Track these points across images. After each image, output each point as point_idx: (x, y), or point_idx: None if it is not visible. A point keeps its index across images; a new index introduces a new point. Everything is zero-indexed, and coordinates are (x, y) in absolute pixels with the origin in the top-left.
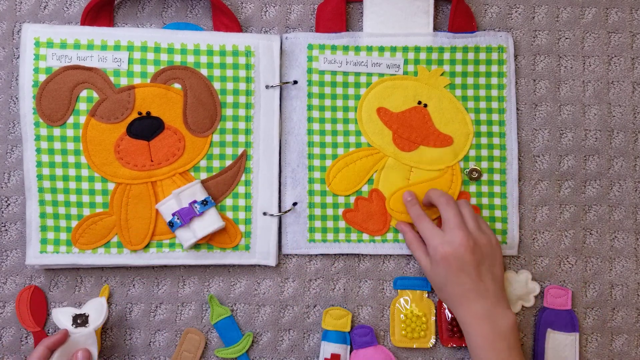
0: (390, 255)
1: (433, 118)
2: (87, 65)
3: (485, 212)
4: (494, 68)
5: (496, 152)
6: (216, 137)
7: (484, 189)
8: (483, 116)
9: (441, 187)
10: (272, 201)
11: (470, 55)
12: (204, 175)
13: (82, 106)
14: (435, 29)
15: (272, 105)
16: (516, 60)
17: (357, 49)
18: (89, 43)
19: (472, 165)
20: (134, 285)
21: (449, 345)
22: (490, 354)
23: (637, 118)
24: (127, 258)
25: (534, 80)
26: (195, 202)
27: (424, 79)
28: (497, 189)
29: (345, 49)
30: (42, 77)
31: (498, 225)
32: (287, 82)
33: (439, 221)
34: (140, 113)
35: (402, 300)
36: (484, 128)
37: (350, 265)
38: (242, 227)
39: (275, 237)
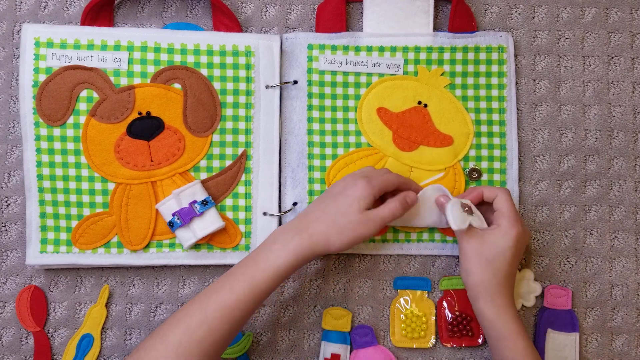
0: (390, 255)
1: (433, 118)
2: (87, 65)
3: None
4: (494, 68)
5: (496, 152)
6: (216, 137)
7: None
8: (483, 116)
9: (445, 186)
10: (272, 201)
11: (471, 55)
12: (204, 175)
13: (82, 106)
14: (435, 29)
15: (272, 105)
16: (516, 60)
17: (357, 49)
18: (89, 43)
19: (472, 165)
20: (134, 285)
21: (449, 345)
22: (525, 336)
23: (637, 118)
24: (127, 258)
25: (534, 80)
26: (195, 202)
27: (424, 79)
28: None
29: (345, 49)
30: (42, 77)
31: None
32: (287, 82)
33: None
34: (140, 113)
35: (402, 300)
36: (484, 128)
37: (350, 265)
38: (242, 227)
39: None
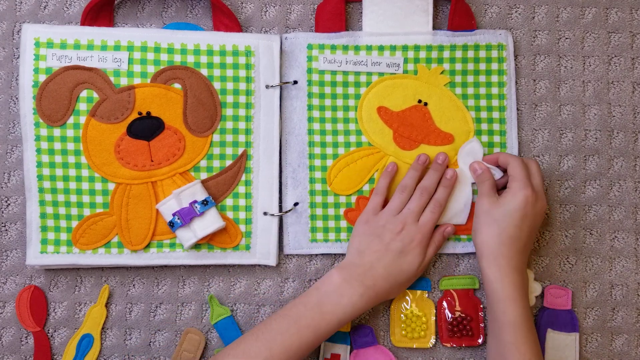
0: None
1: (433, 116)
2: (87, 65)
3: None
4: (494, 66)
5: (496, 151)
6: (216, 137)
7: None
8: (483, 114)
9: None
10: (273, 201)
11: (470, 54)
12: (204, 175)
13: (82, 106)
14: (435, 27)
15: (272, 105)
16: (516, 60)
17: (357, 48)
18: (89, 43)
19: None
20: (134, 285)
21: (449, 345)
22: (522, 304)
23: (637, 118)
24: (127, 258)
25: (534, 80)
26: (195, 202)
27: (424, 77)
28: None
29: (345, 48)
30: (42, 78)
31: None
32: (287, 82)
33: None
34: (140, 113)
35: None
36: (484, 126)
37: None
38: (242, 227)
39: (276, 237)
